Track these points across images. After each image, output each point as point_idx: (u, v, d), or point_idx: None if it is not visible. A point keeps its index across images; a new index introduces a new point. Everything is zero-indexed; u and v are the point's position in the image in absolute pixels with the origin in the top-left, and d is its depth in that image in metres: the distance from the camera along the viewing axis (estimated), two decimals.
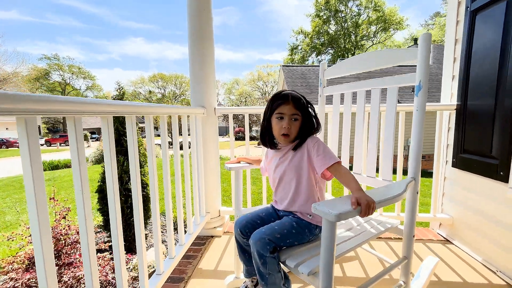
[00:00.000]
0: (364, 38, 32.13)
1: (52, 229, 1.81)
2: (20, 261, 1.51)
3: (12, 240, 1.60)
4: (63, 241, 1.68)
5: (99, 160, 8.98)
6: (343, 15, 30.83)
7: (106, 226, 2.64)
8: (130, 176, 1.03)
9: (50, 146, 24.01)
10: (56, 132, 33.10)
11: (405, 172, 1.84)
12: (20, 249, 1.73)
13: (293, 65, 18.75)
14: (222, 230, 1.97)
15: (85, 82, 37.92)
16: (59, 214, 1.82)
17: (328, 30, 31.69)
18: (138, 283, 1.97)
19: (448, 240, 1.82)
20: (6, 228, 4.01)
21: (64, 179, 7.65)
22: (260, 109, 1.96)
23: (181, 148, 1.60)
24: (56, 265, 1.70)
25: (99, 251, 2.07)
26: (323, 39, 32.21)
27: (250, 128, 23.38)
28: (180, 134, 1.53)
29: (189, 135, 1.66)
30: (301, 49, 33.92)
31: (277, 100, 1.00)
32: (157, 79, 41.43)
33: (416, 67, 0.97)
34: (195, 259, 1.63)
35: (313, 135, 1.03)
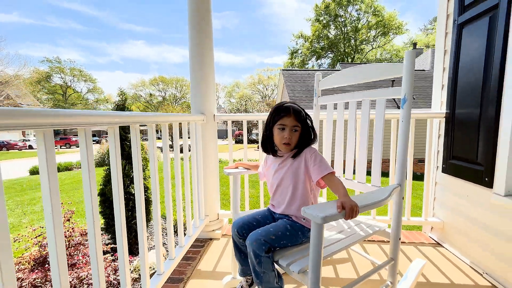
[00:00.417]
0: (364, 43, 32.39)
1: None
2: (26, 261, 1.58)
3: (19, 242, 1.65)
4: (67, 243, 1.74)
5: (100, 163, 9.05)
6: (342, 19, 31.12)
7: (107, 228, 2.71)
8: (134, 182, 1.10)
9: None
10: (56, 134, 33.24)
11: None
12: (26, 250, 1.79)
13: (293, 69, 18.89)
14: (220, 233, 2.03)
15: (86, 85, 38.16)
16: (64, 217, 1.88)
17: (328, 34, 31.97)
18: (139, 284, 2.02)
19: (439, 243, 1.88)
20: (10, 230, 4.07)
21: (65, 182, 7.71)
22: (257, 116, 2.04)
23: (181, 152, 1.67)
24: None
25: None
26: (323, 43, 32.48)
27: (250, 131, 23.44)
28: (181, 137, 1.61)
29: (189, 137, 1.73)
30: (301, 53, 34.17)
31: (280, 112, 1.08)
32: (157, 82, 41.68)
33: (402, 82, 1.04)
34: (194, 260, 1.69)
35: (310, 146, 1.12)
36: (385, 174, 1.89)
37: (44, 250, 1.78)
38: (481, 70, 1.47)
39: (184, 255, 1.73)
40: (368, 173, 1.25)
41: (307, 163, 1.07)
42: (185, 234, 1.67)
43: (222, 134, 27.73)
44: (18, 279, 1.48)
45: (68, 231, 1.80)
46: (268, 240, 0.96)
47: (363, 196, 0.89)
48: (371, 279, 1.45)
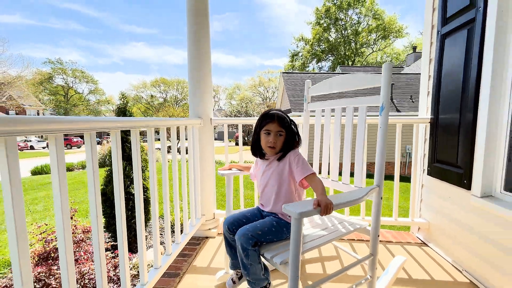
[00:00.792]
0: (364, 46, 32.55)
1: None
2: (31, 257, 1.66)
3: None
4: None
5: (101, 164, 9.15)
6: (343, 23, 31.31)
7: (108, 227, 2.80)
8: (134, 182, 1.20)
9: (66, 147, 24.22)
10: None
11: (404, 179, 1.98)
12: (31, 246, 1.88)
13: (293, 72, 19.00)
14: (216, 232, 2.12)
15: (88, 86, 38.37)
16: None
17: (329, 37, 32.15)
18: (137, 280, 2.11)
19: (424, 243, 1.97)
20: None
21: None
22: (252, 120, 2.13)
23: (179, 153, 1.77)
24: None
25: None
26: (323, 46, 32.65)
27: (248, 133, 23.57)
28: (178, 138, 1.70)
29: (186, 140, 1.82)
30: (301, 55, 34.36)
31: (265, 119, 1.19)
32: (159, 84, 41.89)
33: (380, 91, 1.14)
34: (190, 257, 1.78)
35: (295, 149, 1.22)
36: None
37: (47, 246, 1.87)
38: (461, 78, 1.56)
39: (181, 252, 1.82)
40: (353, 174, 1.35)
41: (291, 165, 1.17)
42: (182, 232, 1.76)
43: (222, 136, 27.90)
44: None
45: (71, 228, 1.89)
46: (255, 235, 1.05)
47: (340, 195, 0.99)
48: (356, 275, 1.54)
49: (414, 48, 21.16)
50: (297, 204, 0.86)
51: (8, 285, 1.99)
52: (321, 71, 31.16)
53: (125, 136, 2.95)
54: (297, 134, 1.23)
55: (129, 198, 2.73)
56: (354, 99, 1.30)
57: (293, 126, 1.22)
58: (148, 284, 1.24)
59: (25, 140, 25.47)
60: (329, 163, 1.48)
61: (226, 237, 1.23)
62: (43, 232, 1.88)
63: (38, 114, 28.41)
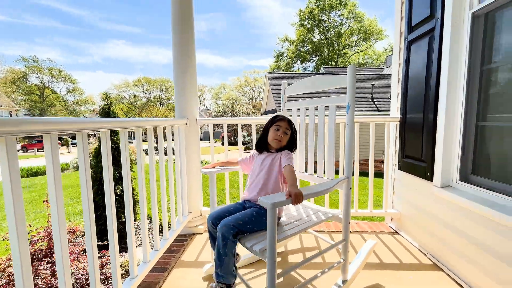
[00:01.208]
0: (347, 47, 33.47)
1: (45, 229, 1.96)
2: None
3: (7, 240, 1.72)
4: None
5: None
6: (326, 24, 32.03)
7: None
8: (123, 181, 1.25)
9: (26, 151, 22.99)
10: (33, 137, 31.74)
11: (382, 175, 2.16)
12: None
13: (278, 72, 19.23)
14: (203, 228, 2.19)
15: (66, 86, 36.72)
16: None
17: (312, 38, 32.77)
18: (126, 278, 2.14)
19: (396, 232, 2.15)
20: None
21: (45, 186, 7.51)
22: (236, 120, 2.23)
23: (166, 153, 1.82)
24: (48, 262, 1.86)
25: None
26: (307, 47, 33.24)
27: (235, 133, 23.59)
28: (165, 138, 1.76)
29: (173, 140, 1.89)
30: (286, 56, 34.79)
31: (278, 118, 1.42)
32: (142, 83, 40.88)
33: (347, 92, 1.26)
34: (178, 252, 1.84)
35: (288, 150, 1.40)
36: (364, 174, 2.13)
37: (32, 248, 1.87)
38: (423, 81, 1.74)
39: (169, 248, 1.88)
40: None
41: (282, 158, 1.33)
42: (169, 229, 1.82)
43: (214, 136, 27.72)
44: (10, 273, 1.57)
45: None
46: (236, 225, 1.14)
47: (312, 186, 1.11)
48: (334, 261, 1.67)
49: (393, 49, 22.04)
50: (271, 196, 0.98)
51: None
52: (306, 72, 31.72)
53: (111, 136, 2.95)
54: (295, 141, 1.45)
55: (116, 199, 2.74)
56: (324, 99, 1.43)
57: (294, 133, 1.44)
58: (138, 277, 1.30)
59: None
60: (306, 158, 1.60)
61: (210, 232, 1.31)
62: (28, 233, 1.87)
63: (11, 115, 26.83)
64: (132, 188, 2.94)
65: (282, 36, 34.64)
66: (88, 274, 1.78)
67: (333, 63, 33.08)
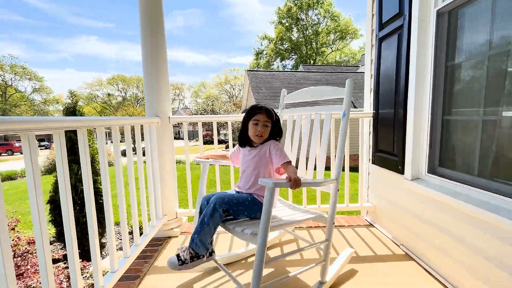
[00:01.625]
0: (324, 46, 34.23)
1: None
2: None
3: None
4: (13, 252, 1.66)
5: (51, 169, 8.28)
6: (304, 23, 32.51)
7: (59, 237, 2.59)
8: (83, 184, 1.15)
9: None
10: None
11: (357, 170, 2.24)
12: None
13: (258, 70, 19.22)
14: (179, 231, 2.11)
15: (31, 84, 34.05)
16: (8, 226, 1.79)
17: (291, 37, 33.14)
18: None
19: (371, 224, 2.21)
20: None
21: (7, 193, 6.93)
22: (212, 118, 2.16)
23: (135, 153, 1.72)
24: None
25: (53, 261, 2.06)
26: (286, 45, 33.56)
27: (218, 132, 23.31)
28: (142, 139, 1.65)
29: (142, 140, 1.78)
30: (266, 54, 34.89)
31: (255, 110, 1.35)
32: (116, 82, 39.05)
33: (343, 102, 1.34)
34: (152, 258, 1.75)
35: (275, 140, 1.38)
36: (342, 169, 2.18)
37: None
38: (394, 78, 1.78)
39: (142, 254, 1.78)
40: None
41: (271, 152, 1.32)
42: (142, 234, 1.72)
43: (189, 135, 27.14)
44: None
45: (13, 240, 1.72)
46: (230, 202, 1.16)
47: (308, 179, 1.14)
48: (312, 258, 1.67)
49: None
50: (272, 179, 1.06)
51: None
52: (285, 69, 32.05)
53: (75, 137, 2.75)
54: (280, 128, 1.41)
55: (84, 204, 2.56)
56: (320, 107, 1.63)
57: (277, 120, 1.39)
58: None
59: None
60: (297, 160, 1.64)
61: (201, 209, 1.28)
62: None
63: None
64: (100, 193, 2.77)
65: (261, 34, 34.69)
66: None
67: (312, 61, 33.71)
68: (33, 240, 1.90)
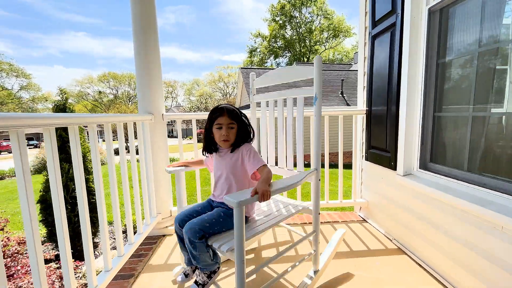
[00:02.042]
0: (318, 43, 34.31)
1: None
2: None
3: None
4: (2, 253, 1.62)
5: (40, 169, 8.09)
6: (297, 21, 32.50)
7: (50, 237, 2.54)
8: (75, 182, 1.13)
9: None
10: None
11: (351, 167, 2.24)
12: None
13: (252, 67, 19.14)
14: (173, 229, 2.09)
15: (18, 81, 33.03)
16: None
17: (285, 34, 33.08)
18: None
19: (365, 220, 2.24)
20: None
21: None
22: (206, 115, 2.14)
23: (128, 151, 1.69)
24: None
25: (44, 261, 2.02)
26: (280, 43, 33.49)
27: None
28: (136, 137, 1.63)
29: (136, 138, 1.76)
30: (259, 51, 34.77)
31: (215, 113, 1.23)
32: (108, 79, 38.29)
33: (314, 83, 1.24)
34: (146, 256, 1.74)
35: (247, 143, 1.27)
36: (336, 166, 2.17)
37: None
38: (386, 75, 1.80)
39: (136, 253, 1.76)
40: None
41: (244, 158, 1.23)
42: (136, 232, 1.70)
43: (183, 133, 26.92)
44: None
45: (2, 240, 1.68)
46: (202, 228, 1.08)
47: (281, 181, 1.08)
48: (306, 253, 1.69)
49: None
50: (237, 194, 0.93)
51: None
52: (279, 67, 31.88)
53: (66, 136, 2.69)
54: (249, 126, 1.29)
55: (75, 203, 2.52)
56: (291, 91, 1.40)
57: (243, 118, 1.27)
58: (98, 287, 1.19)
59: None
60: (276, 152, 1.58)
61: (178, 233, 1.24)
62: None
63: None
64: (93, 192, 2.73)
65: (255, 32, 34.54)
66: None
67: (305, 59, 33.75)
68: (23, 240, 1.86)
